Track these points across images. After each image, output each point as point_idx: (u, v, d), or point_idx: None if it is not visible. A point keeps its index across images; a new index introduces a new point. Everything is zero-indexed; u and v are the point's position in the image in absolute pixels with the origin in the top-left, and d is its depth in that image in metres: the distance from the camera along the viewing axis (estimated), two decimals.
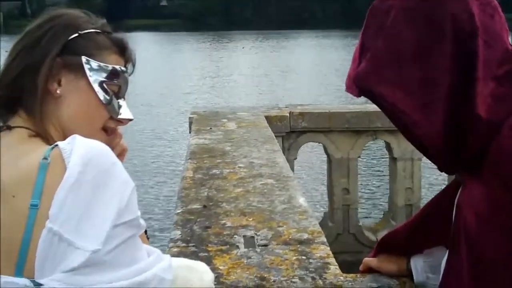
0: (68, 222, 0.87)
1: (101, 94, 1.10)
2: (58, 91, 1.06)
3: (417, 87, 1.21)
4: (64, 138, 1.03)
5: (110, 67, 1.12)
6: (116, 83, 1.13)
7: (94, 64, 1.10)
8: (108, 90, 1.11)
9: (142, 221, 0.96)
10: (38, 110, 1.05)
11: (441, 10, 1.19)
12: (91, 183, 0.89)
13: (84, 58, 1.09)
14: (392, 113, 1.26)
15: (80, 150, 0.92)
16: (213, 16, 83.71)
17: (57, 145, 0.95)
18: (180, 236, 2.12)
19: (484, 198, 1.20)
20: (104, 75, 1.11)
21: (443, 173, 1.37)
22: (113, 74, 1.12)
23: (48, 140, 1.04)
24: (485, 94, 1.19)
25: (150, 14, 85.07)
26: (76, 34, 1.09)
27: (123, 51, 1.16)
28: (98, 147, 0.94)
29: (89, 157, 0.91)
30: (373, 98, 1.28)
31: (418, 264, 1.63)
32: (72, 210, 0.88)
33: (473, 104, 1.19)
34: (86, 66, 1.09)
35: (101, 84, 1.10)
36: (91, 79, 1.09)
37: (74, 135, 0.96)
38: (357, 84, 1.29)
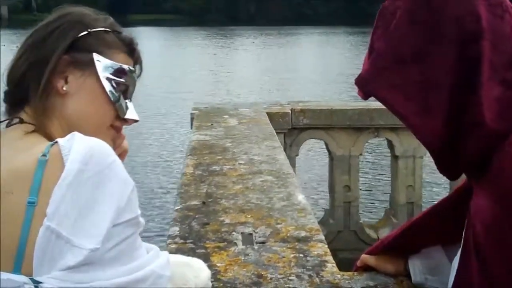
0: (66, 220, 0.87)
1: (110, 92, 1.10)
2: (64, 88, 1.06)
3: (418, 90, 1.19)
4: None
5: (119, 65, 1.11)
6: (124, 82, 1.12)
7: (104, 61, 1.09)
8: (117, 88, 1.11)
9: (141, 220, 0.96)
10: (42, 106, 1.05)
11: (445, 12, 1.17)
12: (90, 181, 0.89)
13: (95, 55, 1.08)
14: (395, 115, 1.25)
15: (80, 147, 0.92)
16: (215, 11, 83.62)
17: (56, 141, 0.94)
18: (178, 232, 2.13)
19: (489, 209, 1.16)
20: (114, 73, 1.10)
21: None
22: (122, 73, 1.12)
23: (49, 136, 1.04)
24: (491, 98, 1.16)
25: (152, 9, 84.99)
26: (85, 32, 1.09)
27: (132, 52, 1.16)
28: (97, 145, 0.94)
29: (88, 155, 0.91)
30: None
31: (416, 265, 1.62)
32: (70, 208, 0.87)
33: (478, 110, 1.15)
34: (96, 63, 1.08)
35: (110, 81, 1.10)
36: (101, 76, 1.08)
37: (74, 132, 0.96)
38: (359, 87, 1.28)
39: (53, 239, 0.86)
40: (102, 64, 1.09)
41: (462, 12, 1.16)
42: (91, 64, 1.08)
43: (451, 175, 1.30)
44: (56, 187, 0.88)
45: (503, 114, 1.16)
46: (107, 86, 1.09)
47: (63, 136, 1.01)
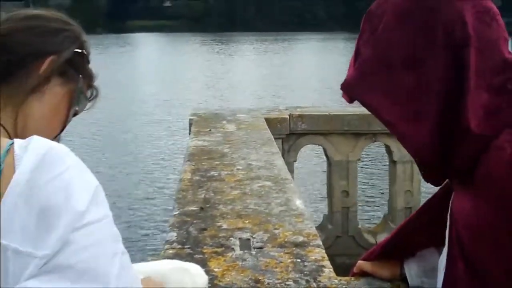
0: (21, 233, 0.81)
1: (69, 117, 1.11)
2: (44, 87, 1.04)
3: (406, 96, 1.18)
4: (16, 131, 1.00)
5: (87, 100, 1.13)
6: (80, 111, 1.13)
7: (82, 91, 1.10)
8: (73, 112, 1.12)
9: (110, 220, 0.87)
10: (19, 98, 1.02)
11: (433, 17, 1.16)
12: (42, 190, 0.83)
13: (81, 79, 1.09)
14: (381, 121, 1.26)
15: (31, 155, 0.86)
16: (216, 17, 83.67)
17: (12, 143, 0.88)
18: (176, 238, 2.13)
19: (474, 212, 1.17)
20: (82, 102, 1.12)
21: None
22: (85, 105, 1.14)
23: (5, 128, 0.99)
24: (477, 106, 1.15)
25: (153, 15, 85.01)
26: (81, 51, 1.10)
27: (90, 87, 1.16)
28: (51, 150, 0.87)
29: (40, 164, 0.85)
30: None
31: (412, 269, 1.63)
32: (23, 220, 0.81)
33: (464, 116, 1.15)
34: (78, 86, 1.09)
35: (74, 109, 1.11)
36: (74, 101, 1.09)
37: (32, 136, 0.89)
38: (345, 92, 1.28)
39: (10, 256, 0.81)
40: (81, 90, 1.10)
41: (449, 16, 1.16)
42: (74, 82, 1.08)
43: (436, 182, 1.30)
44: (2, 201, 0.81)
45: (488, 119, 1.16)
46: (71, 112, 1.10)
47: (12, 129, 0.98)
